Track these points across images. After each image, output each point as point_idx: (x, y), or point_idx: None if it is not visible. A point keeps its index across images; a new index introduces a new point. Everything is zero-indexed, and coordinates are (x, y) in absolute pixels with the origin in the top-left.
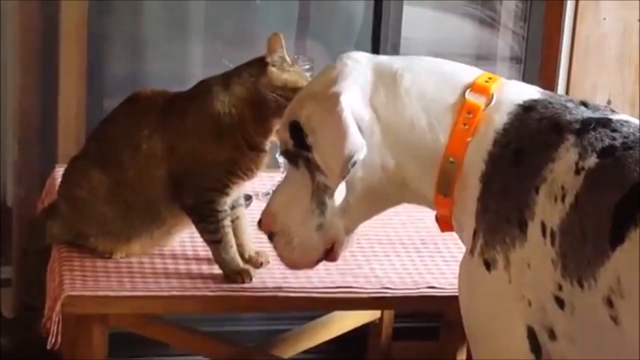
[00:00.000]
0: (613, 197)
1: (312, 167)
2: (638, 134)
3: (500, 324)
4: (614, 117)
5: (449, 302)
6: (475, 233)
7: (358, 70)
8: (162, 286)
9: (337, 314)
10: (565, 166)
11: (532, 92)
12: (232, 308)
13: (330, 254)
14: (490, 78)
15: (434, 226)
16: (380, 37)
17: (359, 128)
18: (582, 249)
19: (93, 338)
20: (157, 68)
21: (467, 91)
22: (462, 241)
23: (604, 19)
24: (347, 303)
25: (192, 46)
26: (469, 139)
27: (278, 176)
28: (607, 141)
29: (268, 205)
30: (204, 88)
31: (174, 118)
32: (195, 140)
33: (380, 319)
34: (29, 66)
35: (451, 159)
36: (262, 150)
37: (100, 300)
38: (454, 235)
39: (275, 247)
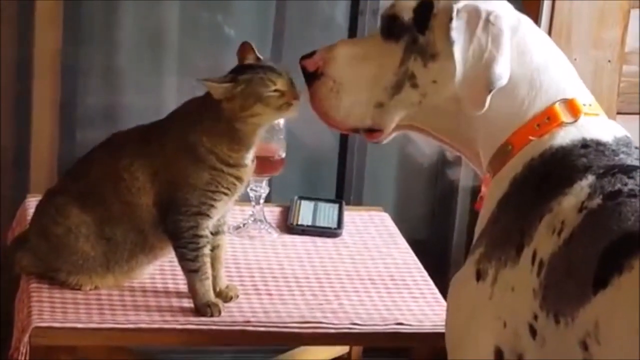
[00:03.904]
0: (603, 240)
1: (414, 49)
2: None
3: (471, 335)
4: None
5: (417, 339)
6: (481, 234)
7: (507, 10)
8: (131, 319)
9: (306, 348)
10: (572, 202)
11: (607, 134)
12: (200, 342)
13: (373, 134)
14: (590, 105)
15: (403, 262)
16: None
17: None
18: (565, 285)
19: None
20: (131, 100)
21: (559, 102)
22: (477, 223)
23: (575, 59)
24: (316, 338)
25: (166, 78)
26: (531, 138)
27: (250, 210)
28: (617, 186)
29: (329, 46)
30: (181, 112)
31: (154, 144)
32: (176, 166)
33: (349, 354)
34: (2, 96)
35: (509, 146)
36: (243, 166)
37: (68, 332)
38: (423, 272)
39: (314, 90)
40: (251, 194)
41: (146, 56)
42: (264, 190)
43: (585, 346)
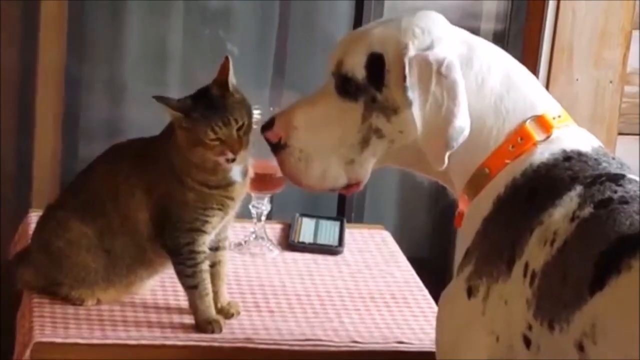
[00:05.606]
0: (599, 245)
1: (374, 107)
2: (639, 192)
3: (464, 351)
4: (630, 175)
5: (418, 357)
6: (467, 253)
7: (456, 42)
8: (132, 335)
9: None
10: (563, 213)
11: (585, 144)
12: (200, 358)
13: (350, 189)
14: (559, 116)
15: (404, 280)
16: None
17: None
18: (560, 292)
19: None
20: (134, 114)
21: (530, 120)
22: (457, 241)
23: (577, 79)
24: (316, 356)
25: (169, 92)
26: (507, 161)
27: (251, 227)
28: (607, 194)
29: (286, 114)
30: (168, 129)
31: (148, 160)
32: (165, 183)
33: None
34: (5, 110)
35: (486, 170)
36: (229, 185)
37: (69, 348)
38: (424, 290)
39: (281, 160)
40: (253, 211)
41: (149, 70)
42: (265, 207)
43: (581, 347)
